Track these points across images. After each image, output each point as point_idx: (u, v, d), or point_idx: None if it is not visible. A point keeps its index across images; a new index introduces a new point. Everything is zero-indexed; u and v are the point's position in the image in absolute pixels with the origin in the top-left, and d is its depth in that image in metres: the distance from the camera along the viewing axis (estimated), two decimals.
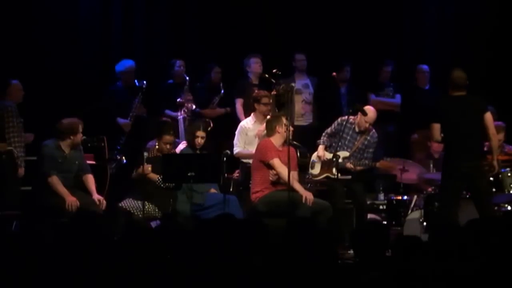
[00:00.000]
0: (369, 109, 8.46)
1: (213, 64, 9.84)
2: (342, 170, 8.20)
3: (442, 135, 7.54)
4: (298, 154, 8.30)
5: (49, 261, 4.28)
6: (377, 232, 4.51)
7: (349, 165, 8.32)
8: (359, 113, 8.37)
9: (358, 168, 8.39)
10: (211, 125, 9.09)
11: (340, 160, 8.15)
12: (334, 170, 8.23)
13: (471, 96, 7.59)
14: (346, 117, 8.44)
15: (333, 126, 8.47)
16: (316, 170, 8.46)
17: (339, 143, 8.27)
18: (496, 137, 7.61)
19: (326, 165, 8.38)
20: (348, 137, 8.43)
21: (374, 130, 8.52)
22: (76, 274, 4.16)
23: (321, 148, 8.44)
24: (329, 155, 8.34)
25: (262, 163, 7.92)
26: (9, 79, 8.10)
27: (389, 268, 4.21)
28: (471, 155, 7.44)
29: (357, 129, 8.43)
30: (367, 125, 8.39)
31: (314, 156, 8.48)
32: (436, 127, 7.54)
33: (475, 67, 9.33)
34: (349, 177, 8.35)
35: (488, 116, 7.52)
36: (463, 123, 7.46)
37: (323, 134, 8.51)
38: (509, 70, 10.21)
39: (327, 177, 8.40)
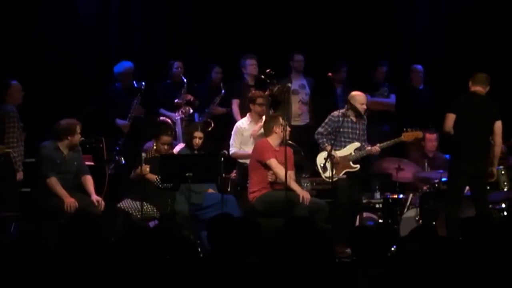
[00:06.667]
0: (357, 94, 8.48)
1: (213, 64, 9.86)
2: (361, 160, 8.42)
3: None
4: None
5: (47, 262, 4.30)
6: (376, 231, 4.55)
7: (375, 148, 8.43)
8: (349, 103, 8.37)
9: (384, 147, 8.48)
10: (212, 124, 9.12)
11: (353, 153, 8.31)
12: (351, 163, 8.32)
13: (489, 99, 7.67)
14: (338, 112, 8.44)
15: (326, 125, 8.39)
16: (330, 171, 8.25)
17: (342, 139, 8.31)
18: (500, 146, 7.70)
19: (342, 162, 8.32)
20: (350, 130, 8.40)
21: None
22: (75, 275, 4.19)
23: (329, 148, 8.24)
24: (343, 152, 8.35)
25: (259, 163, 7.96)
26: (8, 80, 7.98)
27: (387, 266, 4.25)
28: (483, 155, 7.52)
29: (354, 119, 8.41)
30: (364, 106, 8.41)
31: (320, 160, 8.35)
32: (451, 117, 7.54)
33: (469, 67, 9.36)
34: (345, 176, 8.40)
35: (499, 124, 7.61)
36: (480, 123, 7.52)
37: (318, 136, 8.37)
38: (503, 69, 10.24)
39: (347, 172, 8.33)
